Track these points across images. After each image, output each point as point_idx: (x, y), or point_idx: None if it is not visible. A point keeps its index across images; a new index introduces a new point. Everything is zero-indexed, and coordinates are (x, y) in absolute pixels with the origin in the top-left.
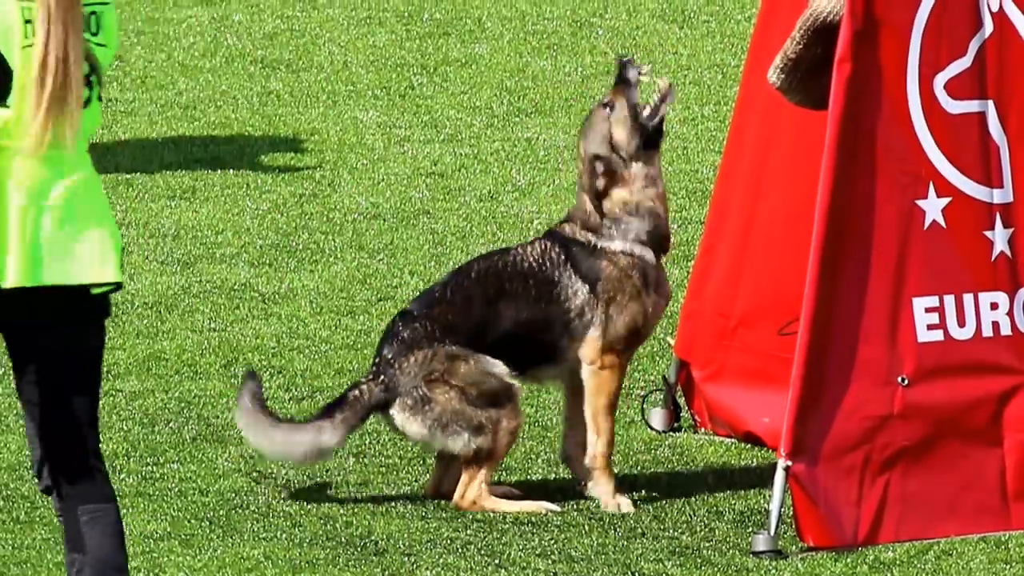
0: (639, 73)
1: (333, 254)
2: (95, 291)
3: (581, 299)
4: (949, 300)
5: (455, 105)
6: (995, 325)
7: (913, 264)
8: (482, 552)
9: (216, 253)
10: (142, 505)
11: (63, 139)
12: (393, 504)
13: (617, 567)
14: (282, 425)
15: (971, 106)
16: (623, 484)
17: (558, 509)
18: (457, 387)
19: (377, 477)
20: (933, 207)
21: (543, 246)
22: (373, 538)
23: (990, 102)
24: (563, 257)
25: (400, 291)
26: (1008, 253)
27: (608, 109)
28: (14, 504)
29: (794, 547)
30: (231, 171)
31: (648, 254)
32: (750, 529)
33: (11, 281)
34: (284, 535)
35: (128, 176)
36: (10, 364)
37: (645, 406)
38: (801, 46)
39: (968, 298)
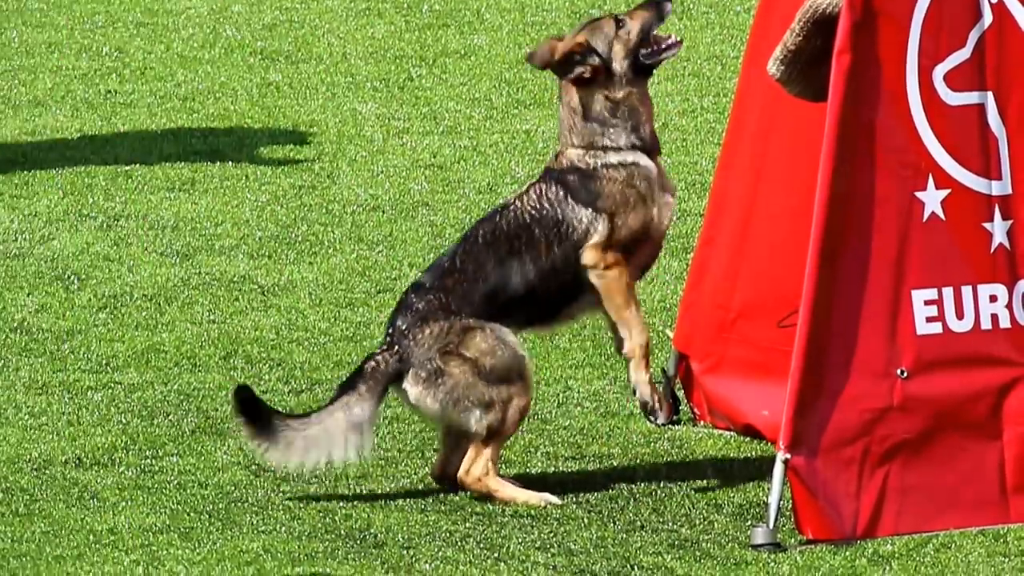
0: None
1: (332, 246)
2: None
3: (586, 222)
4: (948, 292)
5: (454, 97)
6: (994, 317)
7: (912, 256)
8: (481, 545)
9: (215, 245)
10: (141, 498)
11: None
12: (392, 497)
13: (616, 560)
14: (309, 420)
15: (970, 98)
16: (622, 477)
17: (558, 502)
18: (471, 360)
19: (376, 470)
20: (932, 199)
21: (539, 190)
22: (372, 531)
23: (989, 94)
24: (561, 193)
25: (399, 283)
26: (1007, 245)
27: (618, 25)
28: (13, 497)
29: (793, 540)
30: (230, 163)
31: (643, 159)
32: (749, 522)
33: None
34: (283, 528)
35: (127, 168)
36: (7, 359)
37: None
38: (801, 37)
39: (967, 290)
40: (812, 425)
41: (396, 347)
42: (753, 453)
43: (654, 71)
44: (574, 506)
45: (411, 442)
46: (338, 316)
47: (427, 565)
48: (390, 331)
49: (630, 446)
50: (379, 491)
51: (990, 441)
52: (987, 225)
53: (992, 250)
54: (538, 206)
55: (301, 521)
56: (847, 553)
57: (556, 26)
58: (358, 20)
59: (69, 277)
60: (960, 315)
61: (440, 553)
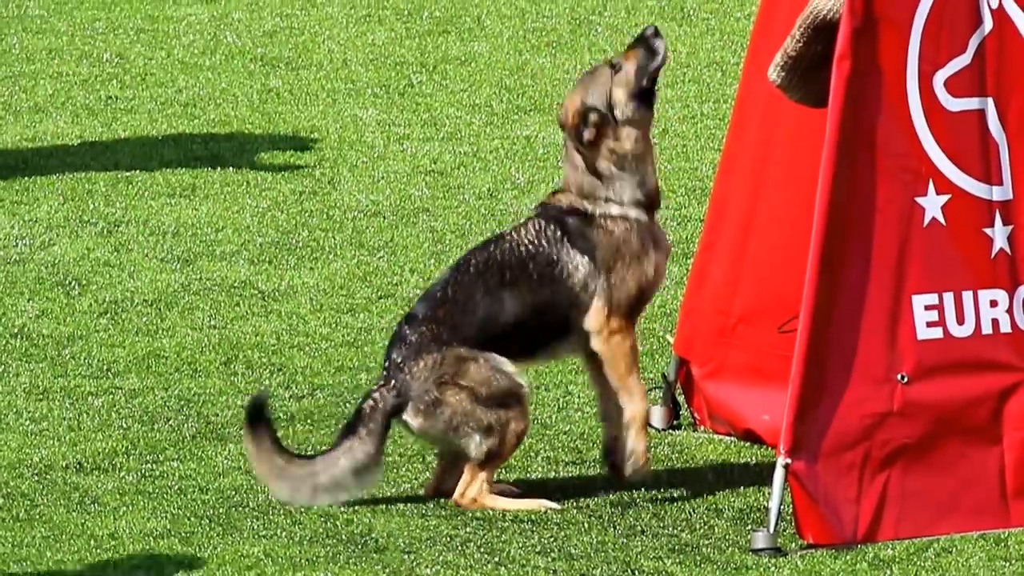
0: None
1: (333, 251)
2: None
3: (583, 272)
4: (948, 297)
5: (454, 103)
6: (995, 322)
7: (913, 261)
8: (482, 550)
9: (216, 250)
10: (142, 503)
11: None
12: (393, 502)
13: (616, 565)
14: (315, 467)
15: (971, 103)
16: (621, 482)
17: (558, 507)
18: (468, 388)
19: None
20: (933, 204)
21: (537, 225)
22: (373, 536)
23: (990, 99)
24: (559, 233)
25: (400, 289)
26: (1008, 250)
27: (614, 70)
28: (14, 502)
29: (793, 544)
30: (231, 169)
31: (642, 216)
32: (749, 527)
33: None
34: (284, 533)
35: (128, 173)
36: (7, 364)
37: None
38: (801, 43)
39: (968, 295)
40: (813, 430)
41: (392, 381)
42: (753, 458)
43: (656, 95)
44: (574, 511)
45: (412, 447)
46: (339, 321)
47: (428, 570)
48: (386, 365)
49: None
50: (380, 496)
51: (990, 446)
52: (988, 230)
53: (993, 255)
54: (536, 242)
55: (302, 526)
56: (848, 558)
57: (556, 33)
58: (358, 27)
59: (70, 283)
60: (961, 320)
61: (441, 558)
